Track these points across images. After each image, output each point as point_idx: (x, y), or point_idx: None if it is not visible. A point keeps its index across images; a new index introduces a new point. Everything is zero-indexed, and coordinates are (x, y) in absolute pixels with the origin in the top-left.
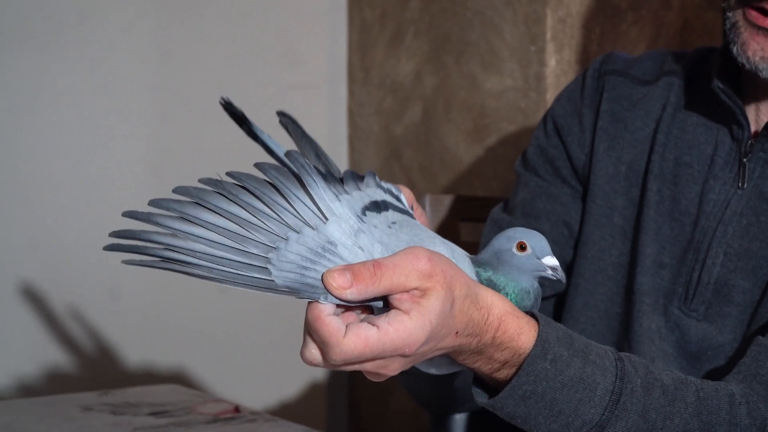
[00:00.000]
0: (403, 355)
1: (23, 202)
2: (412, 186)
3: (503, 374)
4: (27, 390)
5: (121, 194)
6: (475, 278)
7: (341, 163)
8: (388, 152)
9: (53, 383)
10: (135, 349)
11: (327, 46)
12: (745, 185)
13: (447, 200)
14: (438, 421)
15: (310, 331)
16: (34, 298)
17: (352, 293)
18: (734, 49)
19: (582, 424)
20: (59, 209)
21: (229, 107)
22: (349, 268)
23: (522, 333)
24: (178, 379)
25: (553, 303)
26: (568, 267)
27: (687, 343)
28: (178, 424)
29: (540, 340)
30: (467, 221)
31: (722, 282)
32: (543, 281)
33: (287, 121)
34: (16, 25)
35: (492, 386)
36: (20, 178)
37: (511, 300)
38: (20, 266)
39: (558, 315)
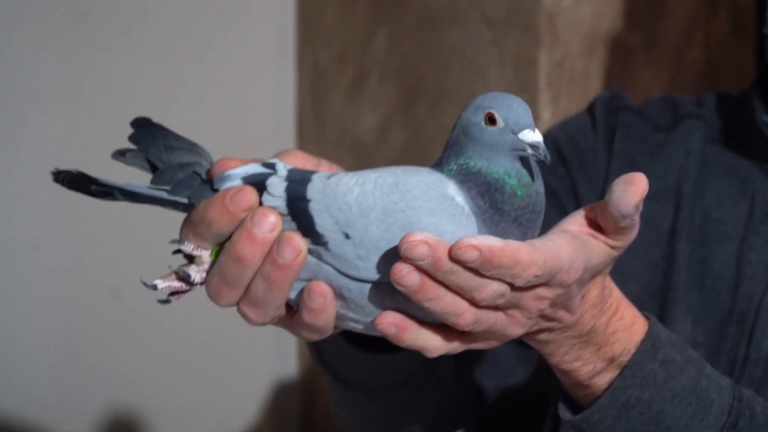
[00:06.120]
0: (562, 282)
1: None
2: None
3: (605, 379)
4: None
5: None
6: (443, 178)
7: None
8: None
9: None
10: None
11: (272, 93)
12: None
13: None
14: None
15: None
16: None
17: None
18: None
19: None
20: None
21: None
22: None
23: (636, 323)
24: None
25: None
26: None
27: None
28: None
29: (650, 334)
30: None
31: None
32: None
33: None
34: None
35: (580, 404)
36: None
37: (517, 189)
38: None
39: None
